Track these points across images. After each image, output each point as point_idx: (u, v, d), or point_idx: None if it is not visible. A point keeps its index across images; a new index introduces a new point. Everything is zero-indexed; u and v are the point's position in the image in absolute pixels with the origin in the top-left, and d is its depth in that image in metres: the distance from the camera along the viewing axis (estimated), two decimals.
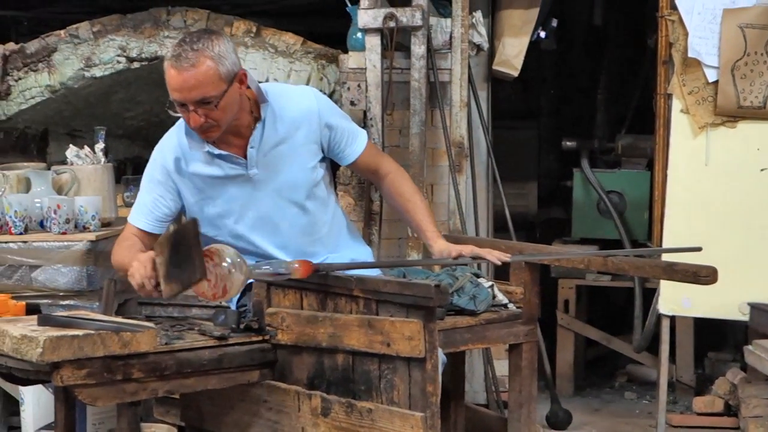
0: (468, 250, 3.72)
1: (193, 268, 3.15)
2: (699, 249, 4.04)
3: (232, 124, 3.58)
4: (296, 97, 3.74)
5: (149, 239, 3.68)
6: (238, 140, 3.64)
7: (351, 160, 3.85)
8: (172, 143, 3.70)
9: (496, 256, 3.73)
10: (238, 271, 3.24)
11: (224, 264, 3.22)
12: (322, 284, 3.40)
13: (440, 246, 3.76)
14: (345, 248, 3.90)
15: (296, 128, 3.69)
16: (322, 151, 3.79)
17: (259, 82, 3.71)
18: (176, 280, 3.23)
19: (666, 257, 4.62)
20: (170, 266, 3.25)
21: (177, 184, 3.69)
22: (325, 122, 3.74)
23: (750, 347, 5.24)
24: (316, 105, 3.74)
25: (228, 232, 3.72)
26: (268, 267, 3.37)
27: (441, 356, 3.54)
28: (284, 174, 3.69)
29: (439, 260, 3.84)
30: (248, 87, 3.61)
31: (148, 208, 3.72)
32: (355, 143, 3.83)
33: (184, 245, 3.18)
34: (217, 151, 3.62)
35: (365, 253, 3.98)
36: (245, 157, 3.65)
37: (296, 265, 3.33)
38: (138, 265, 3.35)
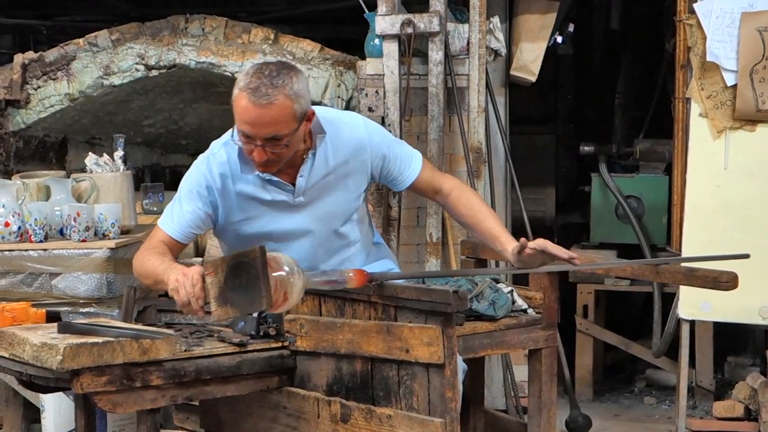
0: (539, 243, 3.50)
1: (259, 296, 3.07)
2: (747, 256, 4.00)
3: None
4: (347, 128, 3.67)
5: (176, 248, 3.62)
6: (289, 169, 3.58)
7: (407, 185, 3.79)
8: (221, 159, 3.60)
9: (567, 255, 3.54)
10: (298, 278, 3.17)
11: (283, 271, 3.14)
12: (341, 291, 3.40)
13: (514, 249, 3.54)
14: (373, 263, 3.88)
15: (346, 160, 3.64)
16: (372, 178, 3.75)
17: None
18: (234, 305, 3.15)
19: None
20: (227, 289, 3.16)
21: (218, 201, 3.61)
22: (377, 153, 3.70)
23: None
24: (368, 136, 3.68)
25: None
26: (324, 276, 3.32)
27: (462, 364, 3.54)
28: (327, 203, 3.66)
29: (499, 270, 3.76)
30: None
31: (185, 218, 3.61)
32: (410, 168, 3.76)
33: (248, 272, 3.09)
34: (268, 177, 3.56)
35: (392, 266, 3.97)
36: (293, 184, 3.59)
37: (351, 275, 3.27)
38: (184, 280, 3.25)
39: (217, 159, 3.60)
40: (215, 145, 3.65)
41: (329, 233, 3.71)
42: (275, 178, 3.57)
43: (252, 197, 3.61)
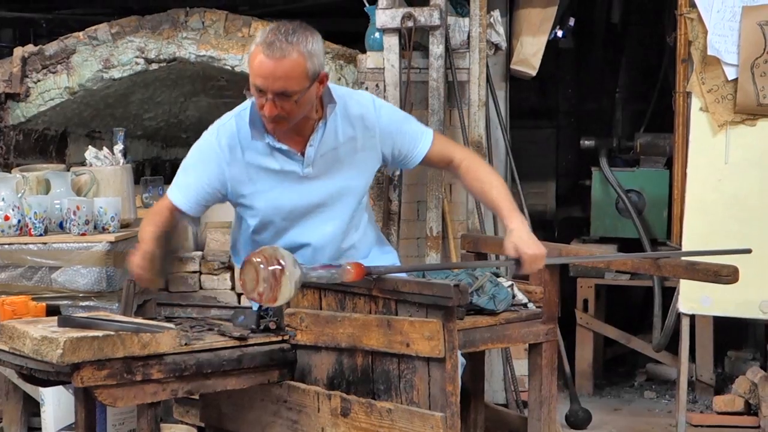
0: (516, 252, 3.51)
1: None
2: (749, 251, 4.00)
3: (298, 120, 3.56)
4: (356, 104, 3.72)
5: (180, 216, 3.69)
6: (299, 137, 3.62)
7: (418, 161, 3.83)
8: (230, 129, 3.65)
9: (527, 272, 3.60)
10: (294, 272, 3.17)
11: (279, 265, 3.14)
12: (341, 284, 3.39)
13: (513, 226, 3.57)
14: (375, 253, 3.91)
15: (355, 136, 3.68)
16: (384, 160, 3.79)
17: None
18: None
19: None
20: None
21: (226, 172, 3.64)
22: (386, 130, 3.73)
23: None
24: (375, 112, 3.72)
25: (273, 228, 3.72)
26: (321, 269, 3.30)
27: (460, 359, 3.54)
28: (338, 179, 3.69)
29: (484, 263, 3.79)
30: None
31: (192, 188, 3.66)
32: (420, 144, 3.80)
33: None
34: (278, 144, 3.60)
35: (393, 257, 3.98)
36: (303, 154, 3.63)
37: (348, 267, 3.27)
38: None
39: (227, 129, 3.66)
40: (226, 115, 3.71)
41: (341, 214, 3.73)
42: (284, 146, 3.61)
43: (261, 167, 3.63)
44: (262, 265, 3.14)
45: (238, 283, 3.25)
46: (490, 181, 3.75)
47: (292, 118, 3.51)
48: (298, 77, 3.41)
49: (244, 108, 3.66)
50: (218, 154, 3.63)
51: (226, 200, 3.75)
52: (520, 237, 3.52)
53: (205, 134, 3.70)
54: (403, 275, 3.45)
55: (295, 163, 3.64)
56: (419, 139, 3.80)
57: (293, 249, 3.55)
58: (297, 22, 3.50)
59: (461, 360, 3.57)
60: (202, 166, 3.66)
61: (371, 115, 3.71)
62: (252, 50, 3.46)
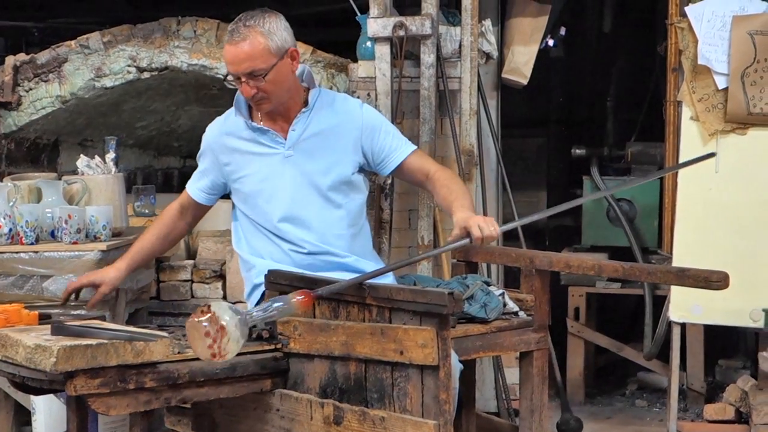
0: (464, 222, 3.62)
1: None
2: (713, 155, 3.98)
3: (283, 104, 3.80)
4: (342, 99, 3.98)
5: (193, 207, 4.08)
6: (283, 122, 3.86)
7: (395, 165, 3.95)
8: (220, 121, 4.01)
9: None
10: (236, 323, 3.16)
11: (224, 322, 3.13)
12: (335, 292, 3.40)
13: (458, 212, 3.71)
14: (370, 259, 3.97)
15: (338, 123, 3.87)
16: (364, 157, 3.92)
17: None
18: None
19: (678, 264, 4.61)
20: None
21: (219, 159, 3.95)
22: (368, 125, 3.91)
23: (765, 354, 5.24)
24: (360, 109, 3.94)
25: (264, 218, 3.87)
26: (263, 310, 3.30)
27: (457, 363, 3.55)
28: (317, 162, 3.84)
29: (430, 253, 3.84)
30: (302, 81, 3.86)
31: (195, 177, 4.06)
32: (400, 149, 3.95)
33: None
34: (257, 125, 3.85)
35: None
36: (286, 138, 3.84)
37: (295, 299, 3.31)
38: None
39: (220, 120, 4.03)
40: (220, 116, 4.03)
41: (316, 195, 3.85)
42: (265, 127, 3.85)
43: (245, 151, 3.90)
44: (204, 324, 3.13)
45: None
46: (453, 188, 3.88)
47: (272, 96, 3.75)
48: (261, 55, 3.67)
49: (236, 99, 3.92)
50: (210, 143, 3.98)
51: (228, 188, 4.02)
52: (464, 216, 3.66)
53: (207, 128, 4.06)
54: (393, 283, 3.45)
55: (278, 145, 3.85)
56: (400, 144, 3.97)
57: (296, 232, 3.80)
58: (258, 9, 3.77)
59: (459, 365, 3.58)
60: (202, 157, 4.04)
61: (356, 111, 3.93)
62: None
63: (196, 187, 4.05)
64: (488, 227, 3.59)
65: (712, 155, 4.05)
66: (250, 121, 3.86)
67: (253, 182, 3.87)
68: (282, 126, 3.86)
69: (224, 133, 3.94)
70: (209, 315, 3.13)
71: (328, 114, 3.88)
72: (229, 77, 3.77)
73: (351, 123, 3.89)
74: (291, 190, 3.84)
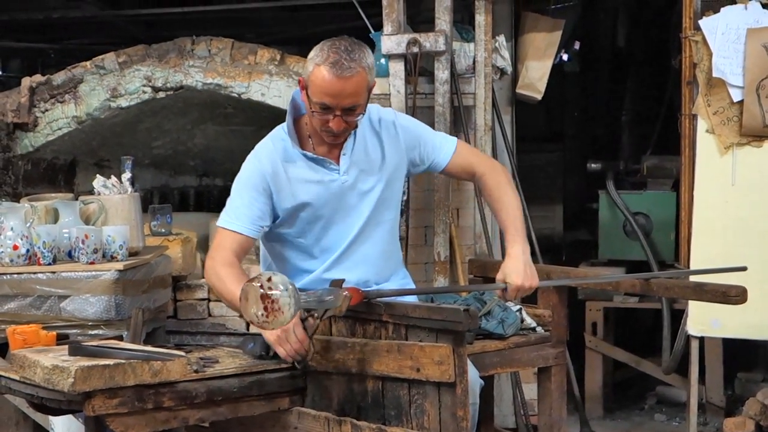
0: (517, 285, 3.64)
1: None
2: (744, 269, 4.00)
3: None
4: (378, 113, 3.87)
5: (247, 244, 3.70)
6: (333, 147, 3.74)
7: (444, 164, 3.92)
8: (269, 149, 3.75)
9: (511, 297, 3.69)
10: (290, 298, 3.19)
11: (278, 291, 3.18)
12: (351, 310, 3.40)
13: (511, 252, 3.71)
14: (402, 276, 3.97)
15: (382, 140, 3.81)
16: (410, 163, 3.89)
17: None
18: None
19: (695, 277, 4.60)
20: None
21: (272, 189, 3.70)
22: (410, 134, 3.87)
23: None
24: (397, 119, 3.87)
25: (315, 239, 3.78)
26: (315, 296, 3.33)
27: (478, 379, 3.54)
28: (373, 184, 3.78)
29: (474, 287, 3.83)
30: None
31: (248, 210, 3.69)
32: (445, 148, 3.92)
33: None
34: (312, 155, 3.71)
35: (411, 282, 4.03)
36: (338, 163, 3.74)
37: (346, 293, 3.31)
38: (287, 335, 3.41)
39: (266, 149, 3.76)
40: (262, 142, 3.80)
41: (380, 224, 3.81)
42: (319, 157, 3.72)
43: (303, 179, 3.72)
44: (261, 289, 3.17)
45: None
46: (503, 200, 3.86)
47: (352, 128, 3.68)
48: (363, 91, 3.59)
49: (276, 131, 3.78)
50: (262, 172, 3.70)
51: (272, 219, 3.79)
52: (513, 265, 3.64)
53: (246, 162, 3.78)
54: (413, 299, 3.45)
55: (332, 172, 3.73)
56: (444, 143, 3.93)
57: (339, 260, 3.74)
58: (348, 39, 3.65)
59: (480, 381, 3.58)
60: (249, 187, 3.71)
61: (395, 122, 3.86)
62: (311, 70, 3.57)
63: (249, 222, 3.68)
64: (527, 281, 3.61)
65: (743, 269, 3.98)
66: (307, 152, 3.72)
67: (310, 209, 3.73)
68: (332, 152, 3.74)
69: (278, 162, 3.70)
70: (269, 281, 3.18)
71: (371, 133, 3.80)
72: (315, 107, 3.58)
73: (393, 137, 3.83)
74: (349, 218, 3.77)
